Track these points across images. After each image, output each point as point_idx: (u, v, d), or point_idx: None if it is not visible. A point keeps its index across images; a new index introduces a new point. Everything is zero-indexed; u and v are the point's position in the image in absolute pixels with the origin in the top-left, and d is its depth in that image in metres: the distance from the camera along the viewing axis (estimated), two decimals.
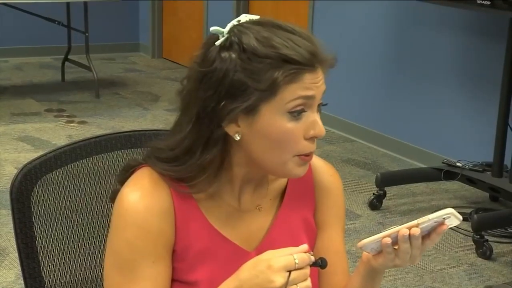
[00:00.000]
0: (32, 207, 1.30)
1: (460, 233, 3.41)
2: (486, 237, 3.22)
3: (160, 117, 5.01)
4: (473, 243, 3.24)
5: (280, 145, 1.12)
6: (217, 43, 1.12)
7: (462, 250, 3.27)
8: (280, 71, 1.08)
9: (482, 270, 3.10)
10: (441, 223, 1.12)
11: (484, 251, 3.18)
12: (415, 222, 1.11)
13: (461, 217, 1.12)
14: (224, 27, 1.14)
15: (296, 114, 1.11)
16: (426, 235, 1.13)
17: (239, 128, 1.13)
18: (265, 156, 1.14)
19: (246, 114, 1.11)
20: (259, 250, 1.16)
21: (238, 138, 1.13)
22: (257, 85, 1.09)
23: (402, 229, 1.11)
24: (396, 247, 1.13)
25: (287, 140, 1.12)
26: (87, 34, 5.44)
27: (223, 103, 1.10)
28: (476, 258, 3.19)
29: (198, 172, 1.15)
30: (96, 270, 1.37)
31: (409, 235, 1.11)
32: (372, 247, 1.15)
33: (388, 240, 1.12)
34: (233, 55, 1.10)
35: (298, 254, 1.04)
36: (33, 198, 1.30)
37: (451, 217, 1.11)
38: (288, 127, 1.11)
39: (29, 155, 4.06)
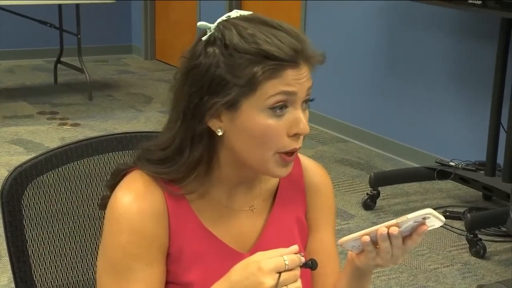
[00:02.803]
0: (23, 210, 1.29)
1: (454, 232, 3.42)
2: (479, 236, 3.23)
3: (153, 119, 5.01)
4: (466, 242, 3.24)
5: (262, 141, 1.11)
6: (203, 38, 1.13)
7: (456, 249, 3.28)
8: (259, 66, 1.08)
9: (476, 269, 3.10)
10: (422, 224, 1.12)
11: (477, 250, 3.19)
12: (394, 221, 1.11)
13: (443, 218, 1.11)
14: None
15: (277, 110, 1.10)
16: (408, 235, 1.13)
17: (222, 123, 1.12)
18: (247, 153, 1.13)
19: (227, 109, 1.11)
20: (253, 251, 1.15)
21: (220, 133, 1.13)
22: (237, 80, 1.09)
23: (381, 228, 1.11)
24: (378, 246, 1.13)
25: (269, 136, 1.11)
26: (79, 36, 5.43)
27: (205, 98, 1.11)
28: (469, 257, 3.20)
29: (188, 172, 1.15)
30: (88, 273, 1.36)
31: (388, 234, 1.11)
32: (353, 245, 1.15)
33: (367, 238, 1.12)
34: (217, 51, 1.10)
35: (288, 255, 1.04)
36: (23, 201, 1.29)
37: (432, 218, 1.10)
38: (269, 123, 1.10)
39: (21, 158, 4.04)
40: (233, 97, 1.09)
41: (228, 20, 1.13)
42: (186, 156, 1.14)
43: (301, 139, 1.14)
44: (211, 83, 1.10)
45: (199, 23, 1.14)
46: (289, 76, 1.09)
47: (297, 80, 1.10)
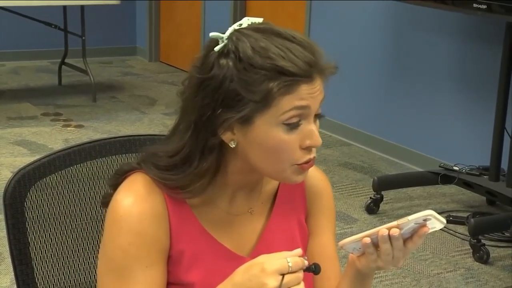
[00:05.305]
0: (26, 212, 1.29)
1: (457, 237, 3.41)
2: (483, 241, 3.22)
3: (157, 121, 5.01)
4: (470, 247, 3.23)
5: (276, 154, 1.12)
6: (216, 49, 1.11)
7: (459, 254, 3.27)
8: (275, 82, 1.07)
9: (479, 274, 3.09)
10: (423, 225, 1.11)
11: (481, 255, 3.18)
12: (395, 223, 1.11)
13: (444, 220, 1.11)
14: (221, 31, 1.13)
15: (291, 124, 1.10)
16: (409, 237, 1.13)
17: (235, 136, 1.12)
18: (262, 164, 1.14)
19: (241, 124, 1.11)
20: (254, 254, 1.16)
21: (233, 145, 1.13)
22: (252, 96, 1.08)
23: (381, 229, 1.11)
24: (379, 248, 1.13)
25: (282, 150, 1.11)
26: (84, 37, 5.43)
27: (218, 111, 1.10)
28: (473, 262, 3.19)
29: (194, 181, 1.14)
30: (91, 276, 1.36)
31: (389, 235, 1.10)
32: (354, 248, 1.15)
33: (368, 240, 1.12)
34: (230, 63, 1.09)
35: (292, 257, 1.04)
36: (26, 204, 1.29)
37: (433, 220, 1.10)
38: (283, 138, 1.10)
39: (25, 159, 4.04)
40: (248, 113, 1.09)
41: (240, 30, 1.12)
42: (195, 166, 1.14)
43: (315, 149, 1.15)
44: (225, 97, 1.09)
45: (211, 34, 1.12)
46: (303, 90, 1.09)
47: (311, 94, 1.10)
